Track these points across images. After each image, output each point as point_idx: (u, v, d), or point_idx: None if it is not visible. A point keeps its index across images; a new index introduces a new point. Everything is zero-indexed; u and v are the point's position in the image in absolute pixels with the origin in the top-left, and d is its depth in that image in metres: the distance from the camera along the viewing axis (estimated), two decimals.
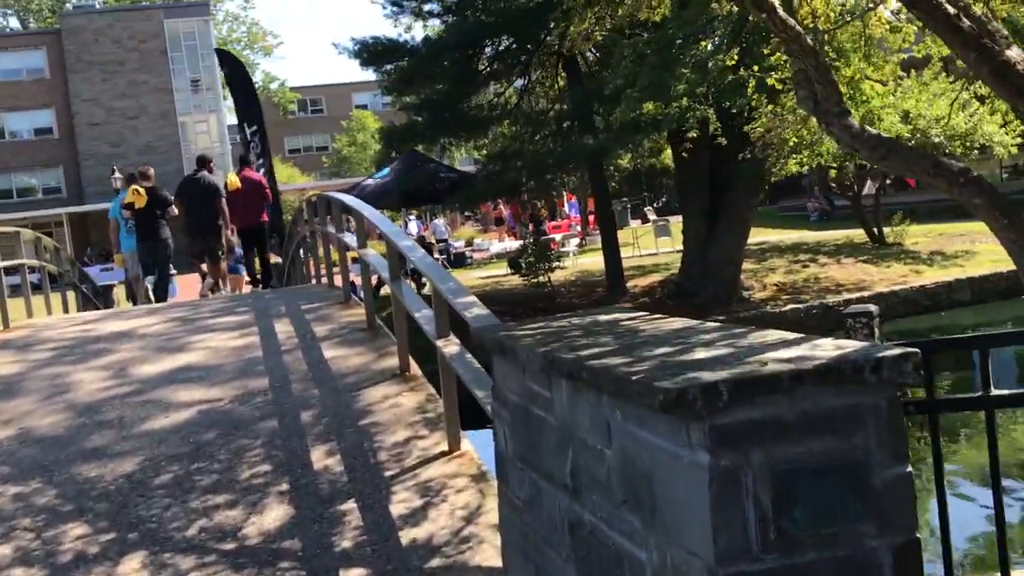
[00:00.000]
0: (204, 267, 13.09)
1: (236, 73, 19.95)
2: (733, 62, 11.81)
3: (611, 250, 20.94)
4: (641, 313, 3.61)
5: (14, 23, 60.91)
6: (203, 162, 13.59)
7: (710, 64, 13.45)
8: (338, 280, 10.10)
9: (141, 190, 12.53)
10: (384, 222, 6.78)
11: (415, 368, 6.78)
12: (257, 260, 14.19)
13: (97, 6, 53.42)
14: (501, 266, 27.94)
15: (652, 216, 36.74)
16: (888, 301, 19.52)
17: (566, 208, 36.23)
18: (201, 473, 5.30)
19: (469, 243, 35.16)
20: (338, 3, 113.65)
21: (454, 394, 5.42)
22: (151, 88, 49.99)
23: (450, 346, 5.24)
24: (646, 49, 13.68)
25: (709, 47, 12.66)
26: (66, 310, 13.65)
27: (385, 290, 11.39)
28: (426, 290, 9.38)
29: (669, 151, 22.85)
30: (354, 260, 9.18)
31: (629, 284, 21.40)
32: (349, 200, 8.38)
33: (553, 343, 2.83)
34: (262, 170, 19.42)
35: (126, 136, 49.48)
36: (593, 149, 18.32)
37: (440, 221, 33.78)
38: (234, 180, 13.51)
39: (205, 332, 8.59)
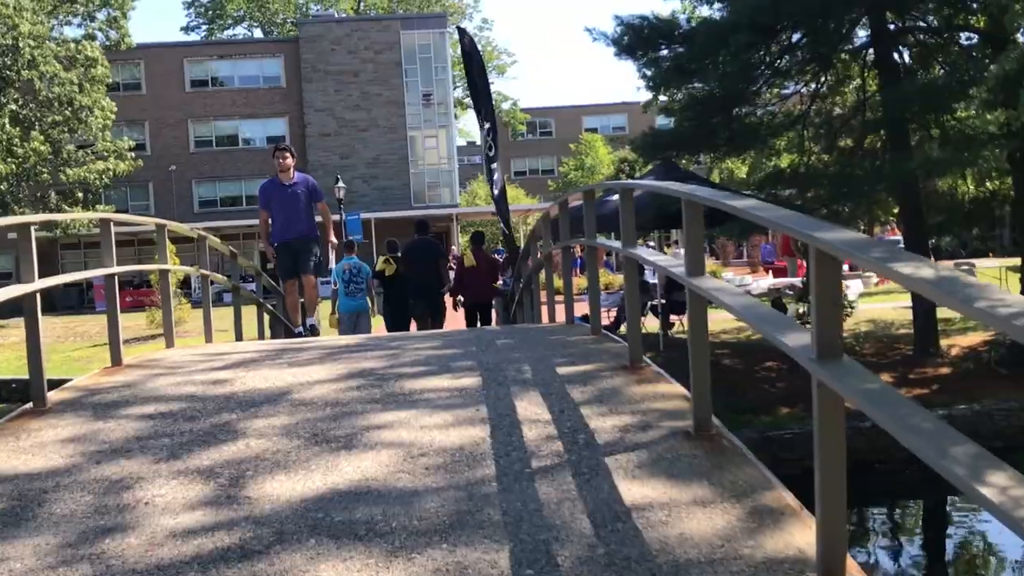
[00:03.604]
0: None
1: (475, 59, 16.76)
2: None
3: (921, 298, 16.20)
4: None
5: (258, 35, 61.71)
6: (424, 227, 14.22)
7: None
8: (619, 327, 6.30)
9: (392, 259, 13.56)
10: (812, 222, 2.93)
11: (852, 567, 2.85)
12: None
13: (335, 15, 52.84)
14: None
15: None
16: None
17: None
18: None
19: (713, 275, 30.74)
20: (574, 26, 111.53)
21: None
22: (383, 100, 48.60)
23: None
24: None
25: None
26: (239, 335, 10.56)
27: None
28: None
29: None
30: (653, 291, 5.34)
31: (943, 342, 16.61)
32: (680, 188, 4.60)
33: None
34: (496, 175, 16.05)
35: (355, 148, 48.27)
36: (923, 167, 13.88)
37: (683, 251, 29.50)
38: (470, 257, 13.90)
39: (400, 405, 4.98)
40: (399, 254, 13.79)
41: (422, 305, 13.15)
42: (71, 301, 40.64)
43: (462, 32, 18.45)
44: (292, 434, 4.51)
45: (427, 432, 4.42)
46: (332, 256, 9.95)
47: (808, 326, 2.93)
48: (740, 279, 27.50)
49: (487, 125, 16.03)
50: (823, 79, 17.72)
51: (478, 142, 15.73)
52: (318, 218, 10.31)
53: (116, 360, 6.49)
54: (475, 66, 16.92)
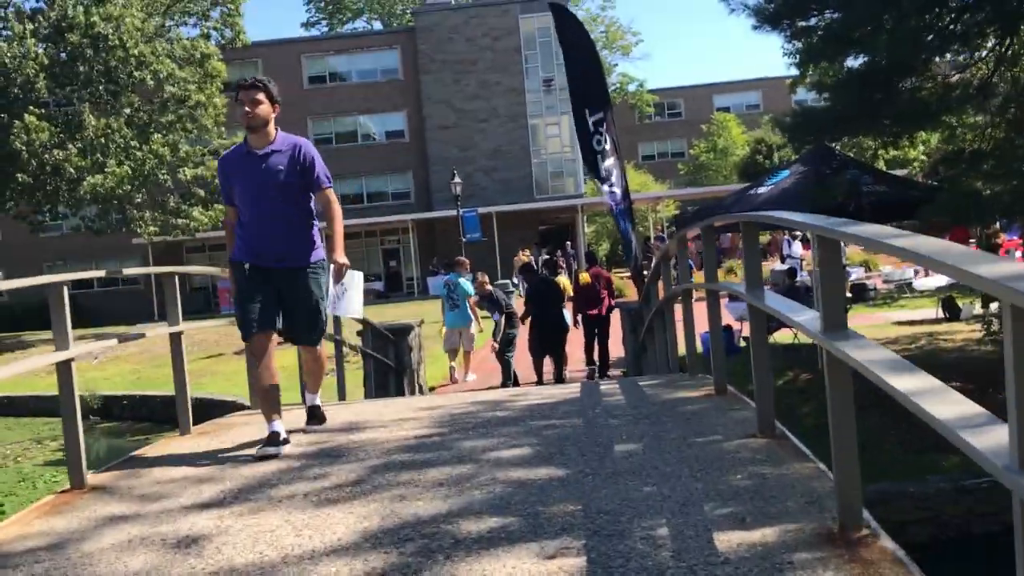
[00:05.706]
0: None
1: (574, 38, 14.25)
2: None
3: None
4: None
5: (378, 26, 60.74)
6: (552, 266, 16.56)
7: None
8: None
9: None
10: None
11: None
12: (597, 349, 14.90)
13: (452, 2, 51.04)
14: (919, 305, 20.56)
15: None
16: None
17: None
18: None
19: (867, 267, 27.48)
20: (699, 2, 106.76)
21: None
22: (502, 89, 46.68)
23: None
24: None
25: None
26: (348, 396, 8.63)
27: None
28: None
29: None
30: None
31: None
32: None
33: None
34: (615, 172, 13.72)
35: (474, 140, 46.50)
36: None
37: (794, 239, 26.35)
38: (585, 277, 15.01)
39: None
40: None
41: (545, 341, 13.63)
42: (198, 305, 40.05)
43: (559, 8, 14.62)
44: None
45: None
46: (331, 283, 5.66)
47: None
48: (900, 272, 24.38)
49: (597, 115, 13.60)
50: (1008, 43, 14.79)
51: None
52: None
53: (77, 481, 4.57)
54: (577, 49, 14.41)
